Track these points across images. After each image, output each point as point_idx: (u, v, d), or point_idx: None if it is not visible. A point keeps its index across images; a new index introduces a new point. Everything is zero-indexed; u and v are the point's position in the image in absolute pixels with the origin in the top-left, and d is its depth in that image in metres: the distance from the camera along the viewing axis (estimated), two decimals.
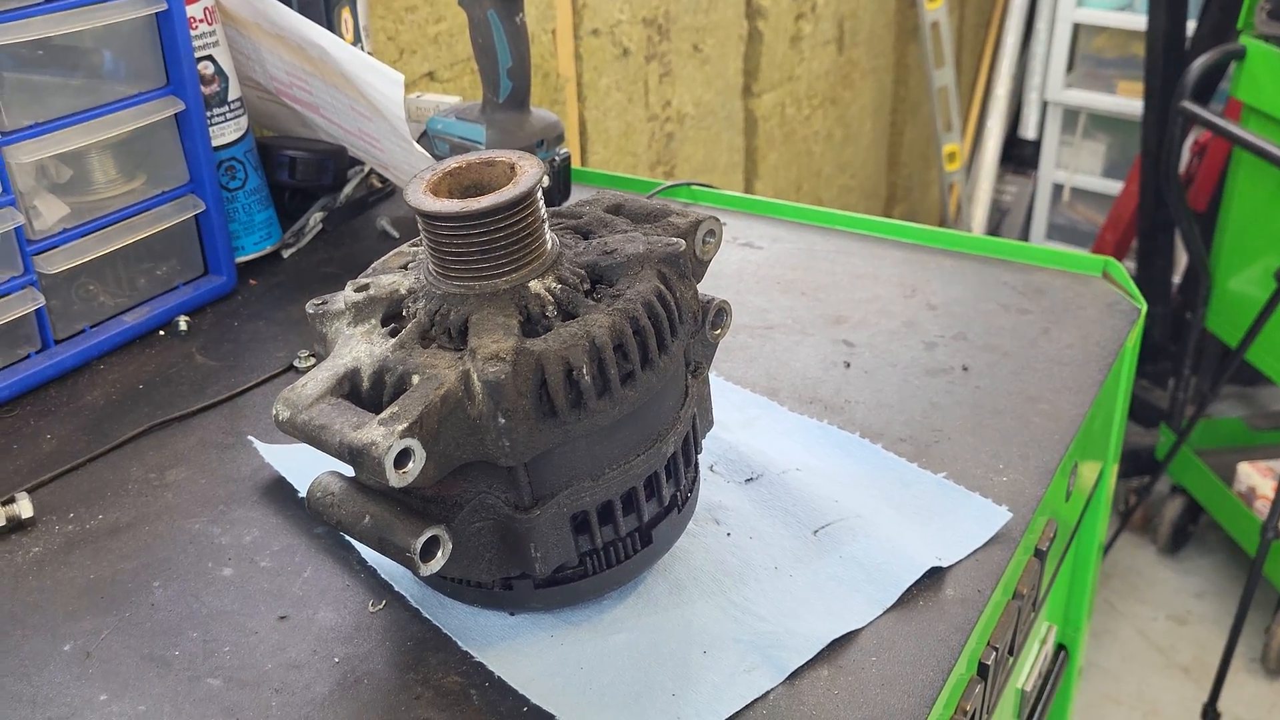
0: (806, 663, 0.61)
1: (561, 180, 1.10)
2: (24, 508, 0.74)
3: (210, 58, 0.99)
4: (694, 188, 1.19)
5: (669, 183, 1.17)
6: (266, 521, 0.74)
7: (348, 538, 0.70)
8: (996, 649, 0.68)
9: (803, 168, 2.52)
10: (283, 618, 0.66)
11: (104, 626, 0.66)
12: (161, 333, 0.97)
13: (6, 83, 0.85)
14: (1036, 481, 0.75)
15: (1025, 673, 0.88)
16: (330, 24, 1.12)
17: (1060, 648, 1.02)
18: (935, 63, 2.89)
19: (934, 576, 0.67)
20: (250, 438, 0.82)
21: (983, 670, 0.68)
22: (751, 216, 1.14)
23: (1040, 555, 0.76)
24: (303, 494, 0.75)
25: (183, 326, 0.97)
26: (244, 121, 1.04)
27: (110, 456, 0.81)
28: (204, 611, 0.67)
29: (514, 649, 0.63)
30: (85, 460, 0.80)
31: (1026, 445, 0.78)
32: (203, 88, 0.98)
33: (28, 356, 0.90)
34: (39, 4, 0.84)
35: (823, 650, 0.62)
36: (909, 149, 3.04)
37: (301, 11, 1.02)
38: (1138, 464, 2.43)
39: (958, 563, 0.68)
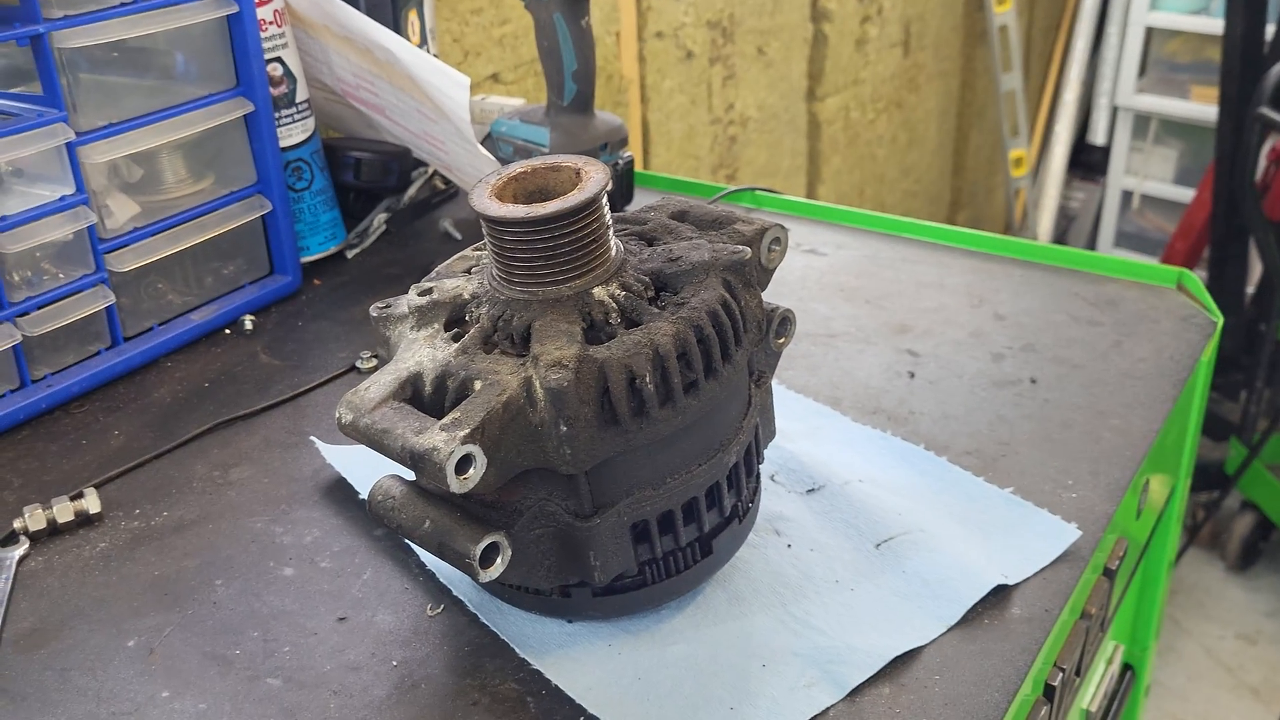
0: (867, 680, 0.60)
1: (624, 184, 1.10)
2: (92, 503, 0.75)
3: (279, 60, 1.00)
4: (757, 193, 1.18)
5: (732, 187, 1.16)
6: (327, 522, 0.74)
7: (407, 541, 0.70)
8: (1063, 670, 0.67)
9: (866, 172, 2.50)
10: (342, 619, 0.66)
11: (167, 623, 0.67)
12: (227, 331, 0.99)
13: (82, 84, 0.86)
14: (1107, 499, 0.73)
15: (1090, 693, 0.86)
16: (397, 26, 1.13)
17: (1127, 667, 1.00)
18: (1003, 67, 2.84)
19: (1000, 594, 0.65)
20: (312, 438, 0.83)
21: (1049, 692, 0.66)
22: (815, 223, 1.13)
23: (1109, 574, 0.74)
24: (363, 495, 0.75)
25: (248, 325, 0.98)
26: (311, 123, 1.05)
27: (176, 454, 0.82)
28: (265, 611, 0.67)
29: (571, 657, 0.62)
30: (152, 457, 0.81)
31: (1097, 461, 0.76)
32: (271, 89, 0.99)
33: (98, 353, 0.91)
34: (114, 7, 0.85)
35: (884, 667, 0.61)
36: (974, 154, 3.00)
37: (369, 14, 1.03)
38: (1207, 478, 2.37)
39: (1024, 581, 0.66)
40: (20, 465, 0.81)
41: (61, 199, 0.85)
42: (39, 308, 0.85)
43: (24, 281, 0.85)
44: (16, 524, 0.73)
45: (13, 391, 0.86)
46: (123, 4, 0.86)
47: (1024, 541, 0.69)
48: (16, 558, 0.72)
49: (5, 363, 0.85)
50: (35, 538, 0.73)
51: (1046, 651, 0.64)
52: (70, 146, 0.84)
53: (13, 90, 0.87)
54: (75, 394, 0.88)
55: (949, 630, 0.63)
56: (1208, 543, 2.44)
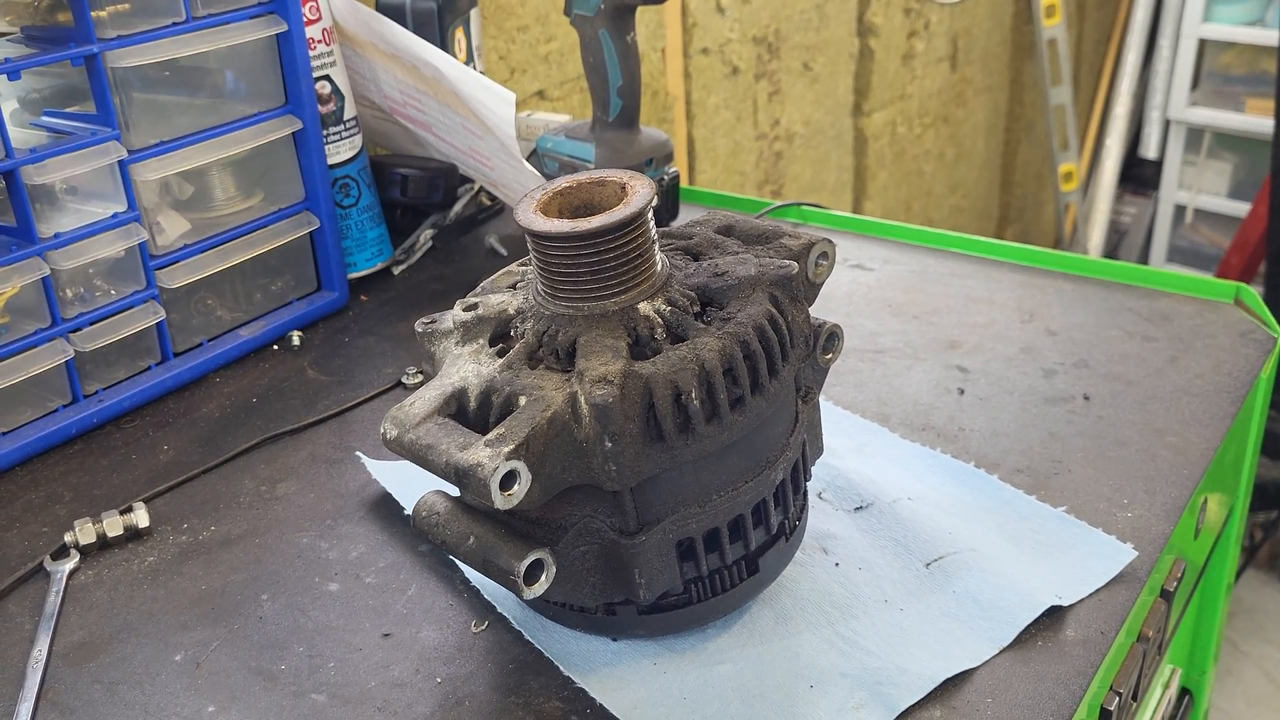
0: (917, 702, 0.59)
1: (670, 199, 1.09)
2: (141, 517, 0.76)
3: (328, 77, 1.01)
4: (804, 208, 1.17)
5: (778, 202, 1.16)
6: (372, 538, 0.74)
7: (452, 557, 0.70)
8: (1120, 694, 0.65)
9: (913, 187, 2.48)
10: (387, 635, 0.66)
11: (214, 638, 0.67)
12: (275, 347, 0.99)
13: (134, 103, 0.87)
14: (1164, 518, 0.71)
15: (1148, 718, 0.84)
16: (444, 44, 1.13)
17: (1184, 692, 0.98)
18: (1052, 80, 2.81)
19: (1053, 616, 0.64)
20: (358, 453, 0.83)
21: (1104, 716, 0.65)
22: (862, 237, 1.12)
23: (1167, 596, 0.72)
24: (408, 511, 0.75)
25: (295, 341, 0.99)
26: (359, 140, 1.06)
27: (224, 469, 0.83)
28: (310, 626, 0.67)
29: (616, 676, 0.62)
30: (200, 472, 0.82)
31: (1153, 480, 0.75)
32: (320, 107, 1.00)
33: (148, 369, 0.92)
34: (167, 27, 0.86)
35: (935, 690, 0.60)
36: (1023, 169, 2.97)
37: (416, 32, 1.04)
38: (1265, 498, 2.32)
39: (1079, 602, 0.65)
40: (71, 479, 0.82)
41: (114, 216, 0.86)
42: (91, 324, 0.86)
43: (76, 298, 0.86)
44: (67, 538, 0.74)
45: (65, 406, 0.87)
46: (175, 24, 0.87)
47: (1078, 562, 0.68)
48: (67, 571, 0.72)
49: (58, 378, 0.86)
50: (85, 551, 0.74)
51: (1102, 675, 0.62)
52: (122, 164, 0.86)
53: (67, 109, 0.88)
54: (126, 409, 0.89)
55: (1001, 652, 0.62)
56: (1266, 564, 2.39)
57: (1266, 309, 0.93)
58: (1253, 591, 2.33)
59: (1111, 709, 0.65)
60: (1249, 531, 2.37)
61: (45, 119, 0.87)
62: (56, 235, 0.83)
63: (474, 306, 0.62)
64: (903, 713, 0.58)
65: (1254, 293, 0.94)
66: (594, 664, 0.63)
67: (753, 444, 0.59)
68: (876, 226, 1.13)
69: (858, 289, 1.02)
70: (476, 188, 1.20)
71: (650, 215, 0.59)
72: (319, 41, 1.00)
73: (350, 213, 1.06)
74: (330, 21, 1.01)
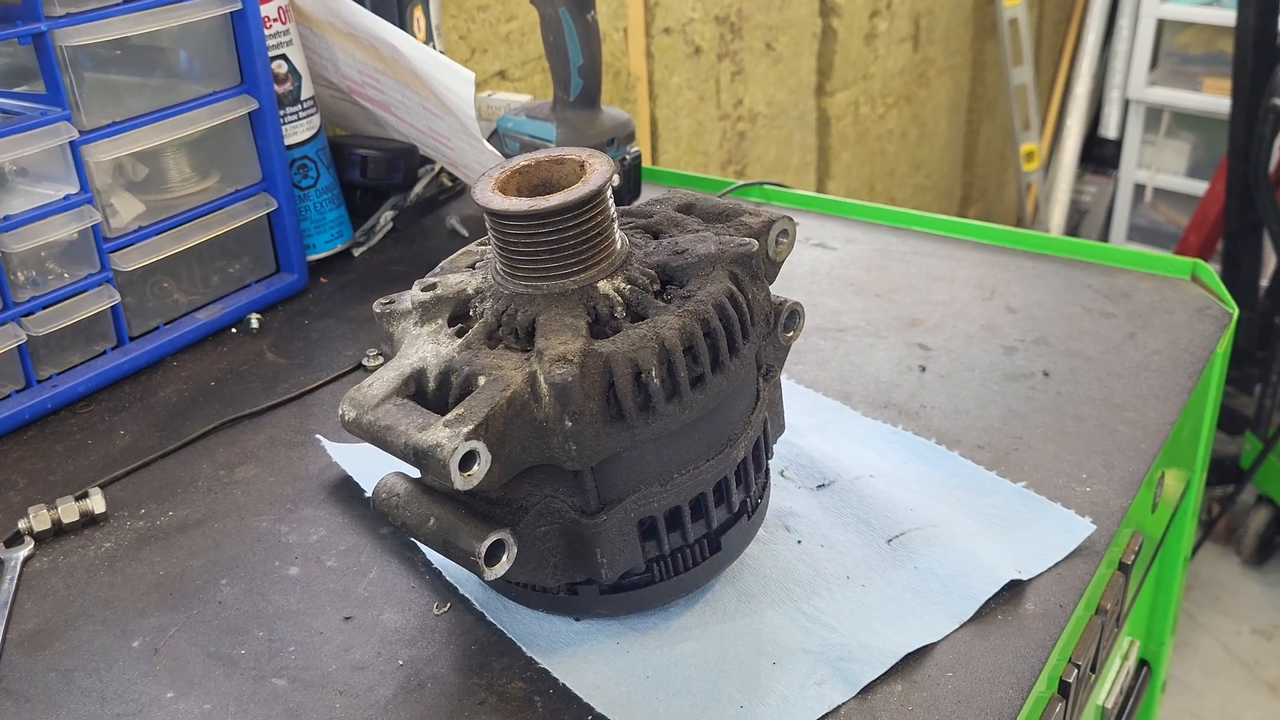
0: (879, 677, 0.59)
1: (632, 179, 1.09)
2: (97, 503, 0.75)
3: (284, 56, 1.00)
4: (766, 187, 1.17)
5: (741, 182, 1.16)
6: (333, 521, 0.74)
7: (413, 539, 0.69)
8: (1078, 666, 0.66)
9: (876, 167, 2.49)
10: (348, 618, 0.66)
11: (172, 624, 0.66)
12: (233, 330, 0.98)
13: (85, 82, 0.86)
14: (1121, 492, 0.72)
15: (1106, 689, 0.85)
16: (403, 23, 1.12)
17: (1142, 663, 0.99)
18: (1013, 60, 2.83)
19: (1013, 590, 0.64)
20: (318, 436, 0.82)
21: (1064, 688, 0.65)
22: (825, 216, 1.12)
23: (1125, 569, 0.73)
24: (369, 494, 0.75)
25: (254, 324, 0.98)
26: (316, 120, 1.05)
27: (181, 453, 0.82)
28: (270, 610, 0.67)
29: (579, 656, 0.62)
30: (157, 456, 0.81)
31: (1111, 454, 0.75)
32: (276, 86, 0.99)
33: (103, 353, 0.91)
34: (117, 4, 0.85)
35: (896, 664, 0.60)
36: (985, 148, 2.98)
37: (374, 10, 1.02)
38: (1222, 473, 2.36)
39: (1038, 576, 0.65)
40: (25, 465, 0.81)
41: (66, 198, 0.84)
42: (44, 307, 0.85)
43: (28, 281, 0.85)
44: (21, 524, 0.73)
45: (18, 392, 0.85)
46: (126, 1, 0.85)
47: (1038, 536, 0.68)
48: (21, 558, 0.71)
49: (10, 363, 0.84)
50: (40, 538, 0.73)
51: (1061, 647, 0.63)
52: (74, 145, 0.84)
53: (16, 89, 0.86)
54: (81, 394, 0.88)
55: (962, 626, 0.62)
56: (1223, 537, 2.42)
57: (1222, 284, 0.93)
58: (1210, 565, 2.37)
59: (1070, 681, 0.65)
60: (1206, 506, 2.40)
61: None
62: (6, 217, 0.81)
63: (432, 286, 0.62)
64: (864, 688, 0.59)
65: (1210, 269, 0.95)
66: (557, 644, 0.62)
67: (714, 422, 0.59)
68: (838, 205, 1.13)
69: (820, 267, 1.02)
70: (437, 169, 1.19)
71: (609, 193, 0.58)
72: (275, 20, 0.98)
73: (309, 194, 1.05)
74: (286, 0, 1.00)
